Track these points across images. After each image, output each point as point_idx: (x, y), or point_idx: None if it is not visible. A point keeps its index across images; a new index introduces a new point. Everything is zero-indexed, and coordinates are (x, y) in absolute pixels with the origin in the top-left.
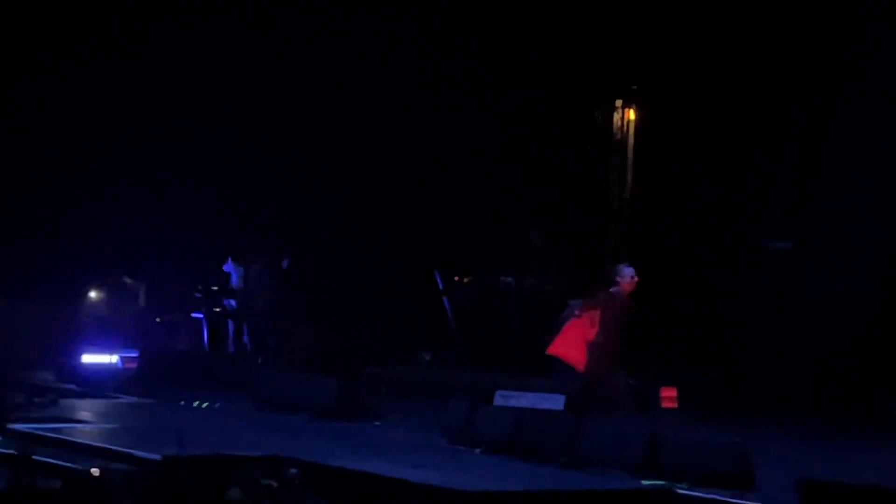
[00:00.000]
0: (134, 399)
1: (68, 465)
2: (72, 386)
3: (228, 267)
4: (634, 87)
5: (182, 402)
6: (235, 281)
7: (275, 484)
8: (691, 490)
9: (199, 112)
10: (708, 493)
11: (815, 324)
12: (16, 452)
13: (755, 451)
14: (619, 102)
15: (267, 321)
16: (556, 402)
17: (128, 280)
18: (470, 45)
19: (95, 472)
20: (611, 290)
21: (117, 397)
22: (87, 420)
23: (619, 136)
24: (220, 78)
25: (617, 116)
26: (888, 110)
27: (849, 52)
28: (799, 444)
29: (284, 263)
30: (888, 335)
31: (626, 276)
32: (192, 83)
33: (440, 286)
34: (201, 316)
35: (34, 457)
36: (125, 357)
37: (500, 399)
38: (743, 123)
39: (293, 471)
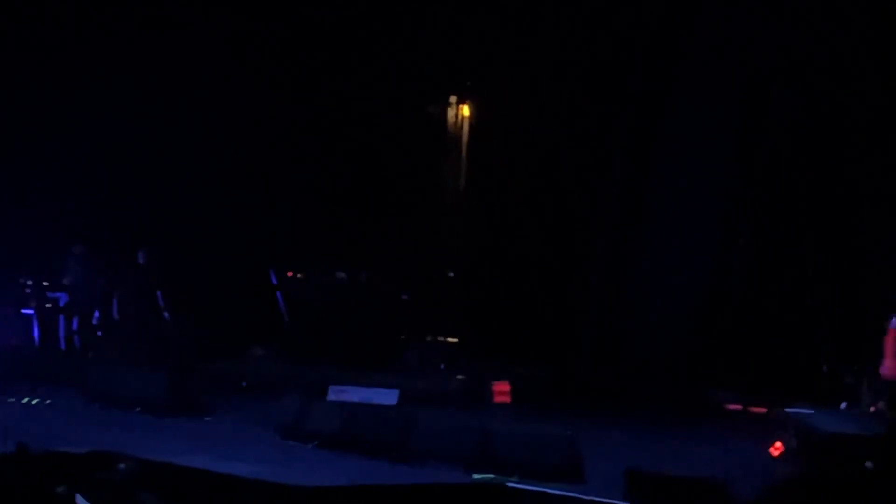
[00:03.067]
0: None
1: None
2: None
3: (70, 261)
4: (468, 83)
5: (11, 399)
6: (69, 275)
7: (104, 480)
8: (522, 483)
9: (30, 102)
10: (538, 486)
11: (646, 318)
12: None
13: (586, 443)
14: (453, 98)
15: (98, 315)
16: (389, 396)
17: None
18: (305, 41)
19: None
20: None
21: None
22: None
23: (453, 132)
24: (52, 72)
25: (451, 112)
26: (719, 101)
27: (678, 47)
28: (628, 437)
29: (140, 258)
30: (715, 330)
31: None
32: (30, 77)
33: (274, 281)
34: (31, 311)
35: None
36: None
37: (333, 394)
38: (575, 118)
39: (122, 466)
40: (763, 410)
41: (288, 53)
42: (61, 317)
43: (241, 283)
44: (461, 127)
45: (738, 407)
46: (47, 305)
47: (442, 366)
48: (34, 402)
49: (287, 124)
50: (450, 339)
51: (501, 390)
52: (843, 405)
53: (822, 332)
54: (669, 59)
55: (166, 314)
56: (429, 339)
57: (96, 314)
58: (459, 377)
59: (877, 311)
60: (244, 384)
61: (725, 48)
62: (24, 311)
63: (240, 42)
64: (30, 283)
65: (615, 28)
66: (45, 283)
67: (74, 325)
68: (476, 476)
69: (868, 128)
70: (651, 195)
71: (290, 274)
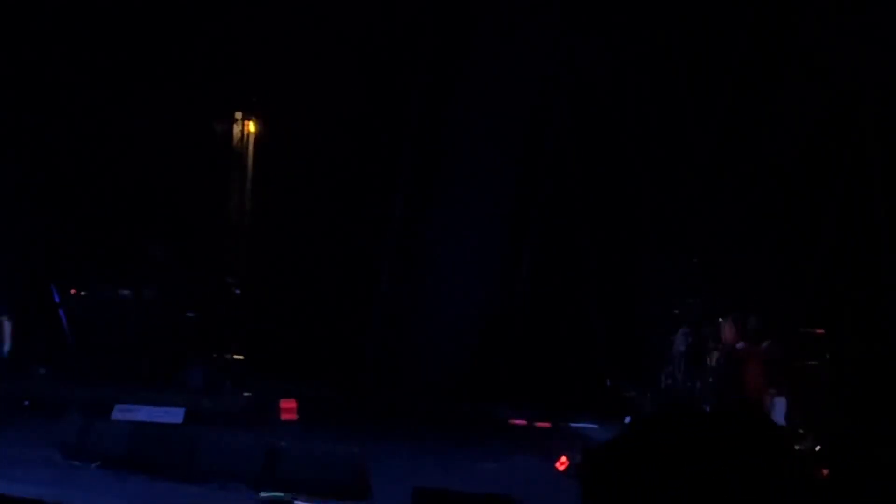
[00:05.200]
0: None
1: None
2: None
3: None
4: (254, 99)
5: None
6: None
7: None
8: (309, 501)
9: None
10: None
11: (430, 335)
12: None
13: (374, 461)
14: (238, 114)
15: None
16: (174, 415)
17: None
18: (87, 54)
19: None
20: None
21: None
22: None
23: (239, 148)
24: None
25: (237, 128)
26: (502, 112)
27: (460, 63)
28: (415, 454)
29: None
30: (499, 347)
31: None
32: None
33: (56, 299)
34: None
35: None
36: None
37: (118, 413)
38: (361, 133)
39: None
40: (548, 425)
41: (70, 67)
42: None
43: (23, 301)
44: (247, 143)
45: (523, 422)
46: None
47: (228, 383)
48: None
49: (70, 140)
50: (236, 357)
51: (288, 408)
52: (626, 419)
53: (604, 347)
54: (451, 77)
55: None
56: (215, 356)
57: None
58: (246, 395)
59: (658, 326)
60: (26, 403)
61: (507, 63)
62: None
63: (16, 53)
64: None
65: (399, 41)
66: None
67: None
68: (263, 495)
69: (651, 145)
70: (435, 213)
71: (73, 291)
